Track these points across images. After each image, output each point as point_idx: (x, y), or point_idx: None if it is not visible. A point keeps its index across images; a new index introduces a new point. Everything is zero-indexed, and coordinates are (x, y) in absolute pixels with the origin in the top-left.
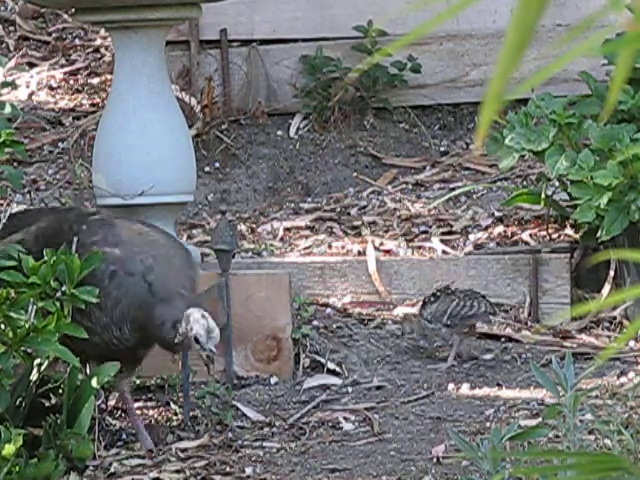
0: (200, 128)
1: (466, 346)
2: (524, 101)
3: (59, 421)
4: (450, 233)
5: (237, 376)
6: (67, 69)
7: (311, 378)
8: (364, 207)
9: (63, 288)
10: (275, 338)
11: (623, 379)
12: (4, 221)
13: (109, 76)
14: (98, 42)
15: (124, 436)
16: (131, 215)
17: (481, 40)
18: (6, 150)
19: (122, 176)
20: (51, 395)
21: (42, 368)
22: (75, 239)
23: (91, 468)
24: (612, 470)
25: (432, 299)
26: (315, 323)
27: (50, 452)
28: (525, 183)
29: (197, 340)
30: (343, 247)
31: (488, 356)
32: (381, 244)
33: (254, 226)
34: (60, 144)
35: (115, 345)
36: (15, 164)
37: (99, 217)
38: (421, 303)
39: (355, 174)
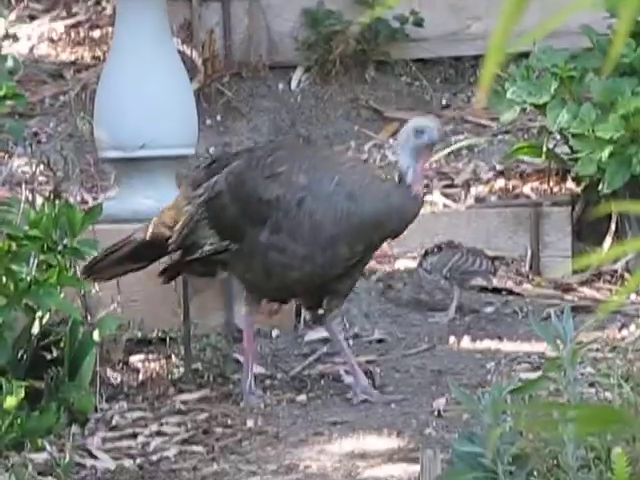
0: (201, 81)
1: (467, 299)
2: (525, 54)
3: (61, 374)
4: (451, 186)
5: (238, 329)
6: (68, 22)
7: (312, 331)
8: (365, 160)
9: (65, 241)
10: None
11: (624, 332)
12: (204, 166)
13: (110, 29)
14: None
15: (125, 389)
16: (132, 168)
17: None
18: (7, 103)
19: (123, 129)
20: (53, 348)
21: (44, 321)
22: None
23: (92, 421)
24: (612, 423)
25: (435, 250)
26: None
27: (52, 405)
28: (526, 136)
29: (419, 131)
30: None
31: (489, 309)
32: None
33: None
34: (61, 97)
35: (319, 276)
36: (16, 117)
37: (285, 150)
38: (422, 254)
39: (356, 127)
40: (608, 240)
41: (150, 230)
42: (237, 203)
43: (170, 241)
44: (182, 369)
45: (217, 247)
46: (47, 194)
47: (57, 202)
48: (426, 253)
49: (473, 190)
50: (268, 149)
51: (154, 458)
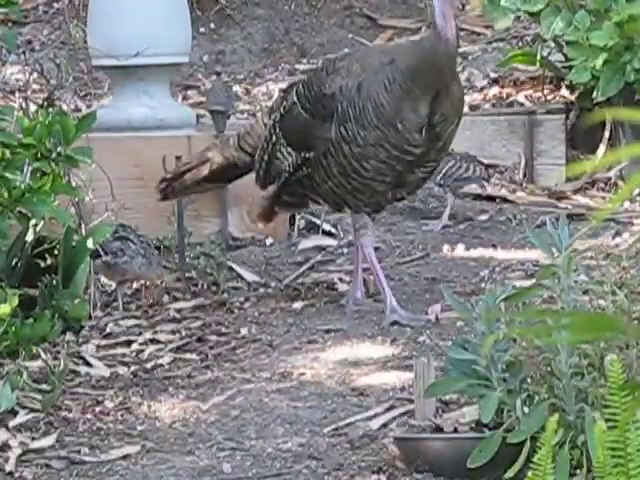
0: None
1: (461, 207)
2: None
3: (55, 282)
4: None
5: (232, 237)
6: None
7: (306, 239)
8: None
9: (58, 149)
10: None
11: (617, 240)
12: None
13: None
14: None
15: (120, 297)
16: (126, 76)
17: None
18: (0, 10)
19: (117, 37)
20: (47, 256)
21: (37, 229)
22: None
23: (87, 328)
24: (606, 330)
25: None
26: None
27: (46, 312)
28: (521, 44)
29: None
30: None
31: (483, 217)
32: None
33: (249, 87)
34: (55, 4)
35: (397, 159)
36: (10, 24)
37: (345, 54)
38: None
39: (350, 35)
40: (602, 148)
41: (228, 154)
42: (306, 106)
43: (255, 177)
44: (176, 277)
45: (296, 161)
46: (41, 102)
47: (51, 110)
48: None
49: (467, 98)
50: (330, 59)
51: (148, 365)
